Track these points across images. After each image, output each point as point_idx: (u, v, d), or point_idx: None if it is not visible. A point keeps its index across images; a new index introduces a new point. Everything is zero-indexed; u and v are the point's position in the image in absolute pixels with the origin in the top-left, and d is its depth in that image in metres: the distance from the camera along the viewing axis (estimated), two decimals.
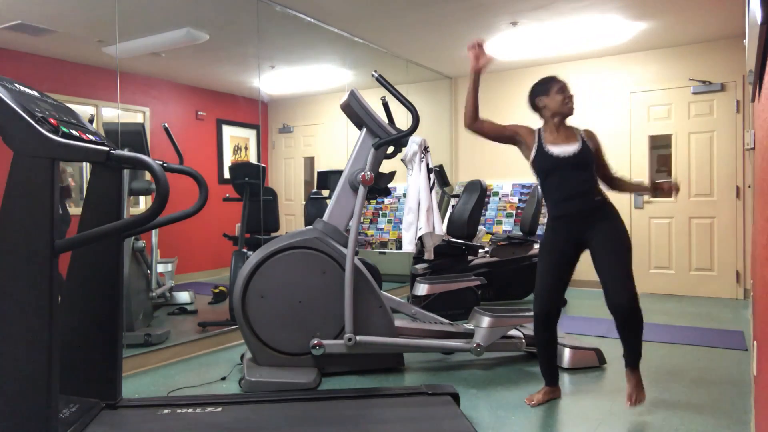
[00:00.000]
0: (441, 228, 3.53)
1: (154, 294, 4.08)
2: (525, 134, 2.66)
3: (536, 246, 5.08)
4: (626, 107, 5.72)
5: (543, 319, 2.60)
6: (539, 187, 2.72)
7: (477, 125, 2.63)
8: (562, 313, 2.88)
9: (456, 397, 2.46)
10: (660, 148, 5.70)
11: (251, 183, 4.40)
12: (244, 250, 4.35)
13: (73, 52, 4.62)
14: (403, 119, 3.66)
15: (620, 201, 4.70)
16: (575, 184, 2.53)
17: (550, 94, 2.61)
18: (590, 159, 2.56)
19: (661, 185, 2.72)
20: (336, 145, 6.47)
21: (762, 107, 1.77)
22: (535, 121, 2.68)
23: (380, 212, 6.64)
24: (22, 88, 1.80)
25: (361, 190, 3.04)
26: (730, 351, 3.52)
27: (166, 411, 2.27)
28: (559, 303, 2.63)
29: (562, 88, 2.61)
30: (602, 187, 2.62)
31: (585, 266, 2.66)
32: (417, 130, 3.08)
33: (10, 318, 1.62)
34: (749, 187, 4.93)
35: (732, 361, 3.30)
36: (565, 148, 2.55)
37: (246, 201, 4.41)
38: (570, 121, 2.66)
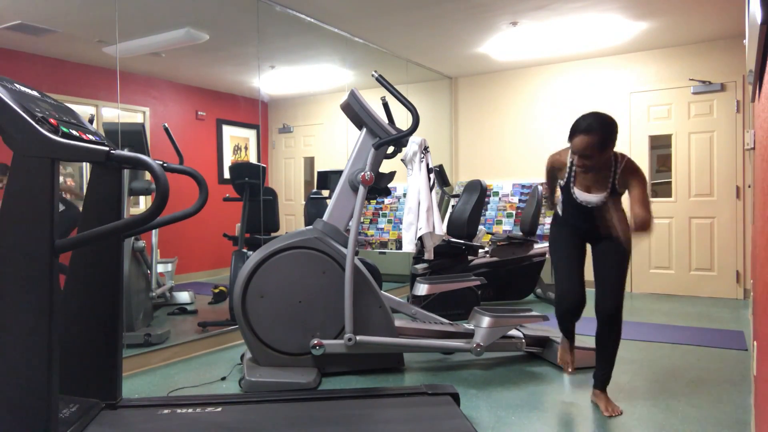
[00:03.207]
0: (441, 228, 3.53)
1: (154, 294, 4.09)
2: (558, 163, 2.59)
3: (536, 246, 5.08)
4: (626, 107, 5.72)
5: (568, 313, 2.59)
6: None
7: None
8: None
9: (456, 397, 2.46)
10: (660, 148, 5.70)
11: (251, 183, 4.40)
12: (244, 250, 4.35)
13: (73, 52, 4.62)
14: (403, 119, 3.66)
15: None
16: (595, 218, 2.50)
17: (571, 144, 2.39)
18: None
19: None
20: (336, 145, 6.47)
21: (762, 107, 1.77)
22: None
23: (380, 212, 6.64)
24: (22, 88, 1.80)
25: (361, 190, 3.04)
26: (730, 351, 3.52)
27: (166, 411, 2.27)
28: (583, 295, 2.56)
29: (578, 151, 2.34)
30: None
31: (585, 267, 2.66)
32: (417, 130, 3.08)
33: (10, 318, 1.62)
34: (749, 187, 4.93)
35: (732, 361, 3.30)
36: (589, 198, 2.48)
37: (246, 201, 4.41)
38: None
